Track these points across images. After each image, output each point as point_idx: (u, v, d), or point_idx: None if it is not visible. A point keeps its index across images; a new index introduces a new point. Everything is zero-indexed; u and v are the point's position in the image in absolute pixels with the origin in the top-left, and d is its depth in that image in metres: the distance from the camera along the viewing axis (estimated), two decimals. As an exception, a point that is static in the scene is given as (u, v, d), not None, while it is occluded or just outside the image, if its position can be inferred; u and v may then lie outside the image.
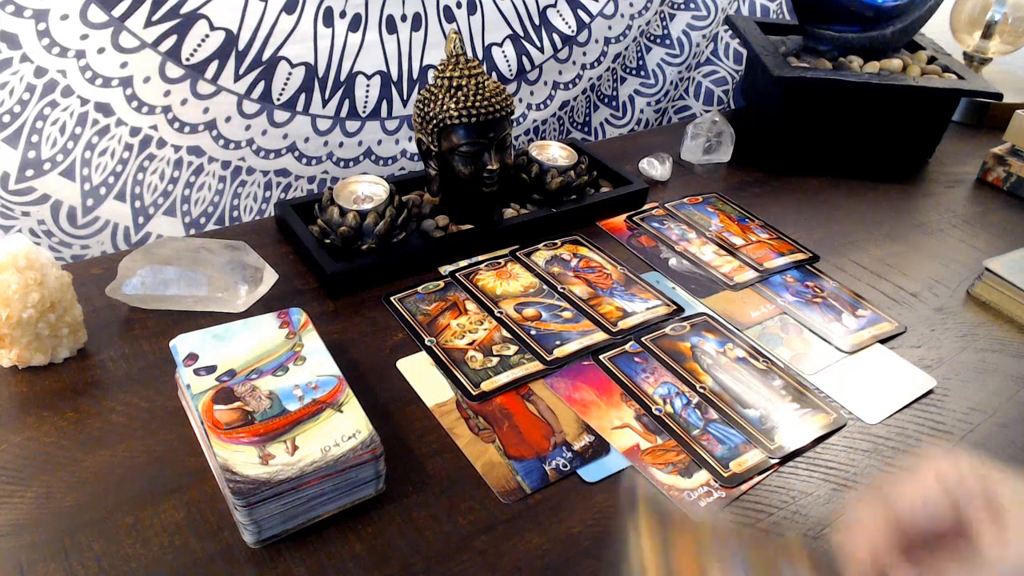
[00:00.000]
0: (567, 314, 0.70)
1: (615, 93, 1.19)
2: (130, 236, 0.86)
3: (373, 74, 0.91)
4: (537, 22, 1.00)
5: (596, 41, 1.06)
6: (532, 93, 1.05)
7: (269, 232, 0.80)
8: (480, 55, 0.98)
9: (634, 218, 0.86)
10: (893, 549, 0.36)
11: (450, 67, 0.73)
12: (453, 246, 0.77)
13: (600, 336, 0.68)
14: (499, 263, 0.77)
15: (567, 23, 1.02)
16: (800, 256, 0.82)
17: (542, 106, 1.07)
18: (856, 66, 0.99)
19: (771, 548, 0.39)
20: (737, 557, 0.38)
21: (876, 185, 0.98)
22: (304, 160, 0.93)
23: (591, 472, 0.55)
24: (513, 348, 0.66)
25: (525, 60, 1.01)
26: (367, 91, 0.92)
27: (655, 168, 0.94)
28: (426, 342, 0.66)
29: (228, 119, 0.85)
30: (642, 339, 0.68)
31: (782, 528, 0.52)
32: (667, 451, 0.57)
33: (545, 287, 0.74)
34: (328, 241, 0.74)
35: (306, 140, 0.91)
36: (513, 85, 1.03)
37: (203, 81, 0.81)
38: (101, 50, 0.75)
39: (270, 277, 0.70)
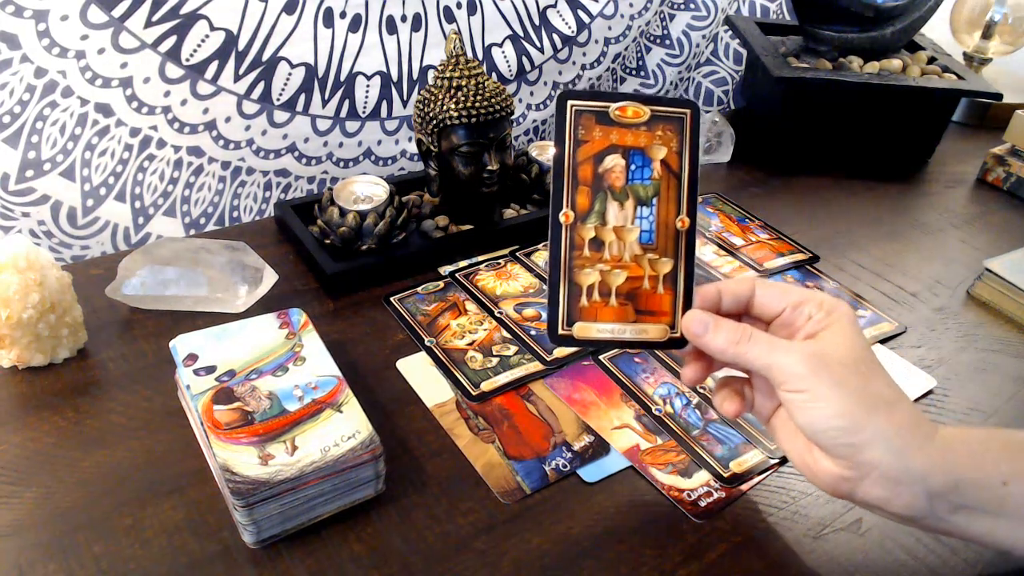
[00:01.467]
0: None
1: (615, 93, 1.19)
2: (130, 236, 0.86)
3: (373, 74, 0.91)
4: (537, 22, 1.00)
5: (596, 41, 1.06)
6: (532, 93, 1.05)
7: (269, 232, 0.80)
8: (480, 55, 0.98)
9: (634, 218, 0.86)
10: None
11: (450, 67, 0.73)
12: (453, 246, 0.77)
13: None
14: (499, 263, 0.77)
15: (567, 23, 1.02)
16: (800, 256, 0.82)
17: (542, 106, 1.07)
18: (856, 66, 0.99)
19: None
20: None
21: (876, 185, 0.98)
22: (304, 160, 0.93)
23: (591, 472, 0.55)
24: (513, 348, 0.66)
25: (525, 60, 1.01)
26: (367, 91, 0.92)
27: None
28: (426, 342, 0.66)
29: (228, 119, 0.85)
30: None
31: (783, 528, 0.52)
32: (667, 451, 0.57)
33: (545, 287, 0.74)
34: (328, 241, 0.74)
35: (306, 140, 0.91)
36: (513, 85, 1.03)
37: (203, 81, 0.81)
38: (101, 50, 0.75)
39: (270, 277, 0.70)
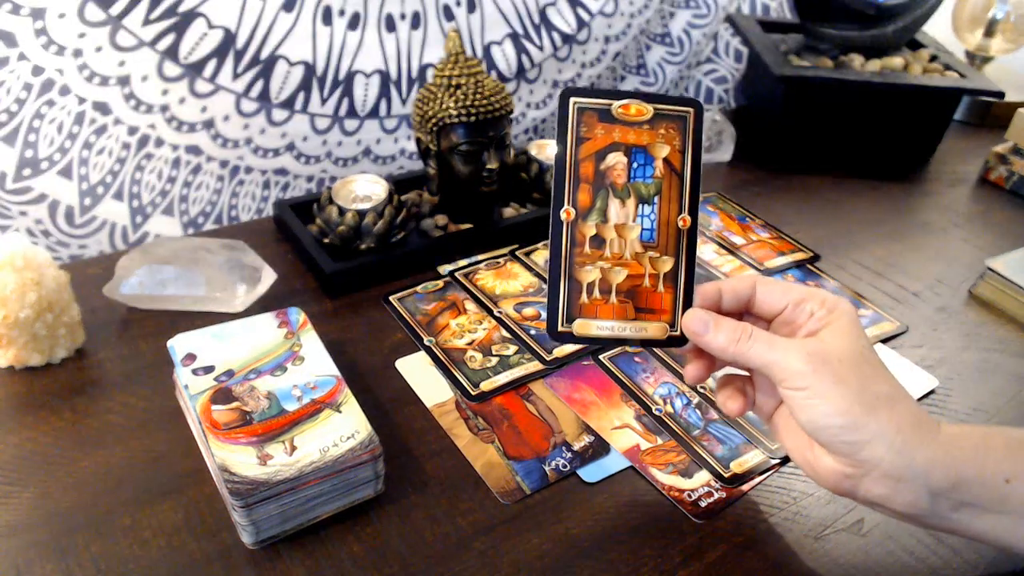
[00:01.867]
0: (567, 314, 0.70)
1: (615, 92, 1.18)
2: (128, 236, 0.86)
3: (372, 73, 0.91)
4: (537, 21, 0.99)
5: (596, 40, 1.06)
6: (531, 92, 1.05)
7: (267, 231, 0.80)
8: (479, 54, 0.97)
9: (634, 217, 0.86)
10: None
11: (449, 66, 0.72)
12: (452, 245, 0.77)
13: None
14: (498, 262, 0.77)
15: (567, 21, 1.02)
16: (801, 255, 0.82)
17: (541, 105, 1.07)
18: (857, 64, 0.98)
19: None
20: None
21: (878, 184, 0.98)
22: (303, 159, 0.93)
23: (591, 473, 0.55)
24: (512, 348, 0.66)
25: (524, 59, 1.01)
26: (366, 90, 0.92)
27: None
28: (425, 342, 0.66)
29: (226, 118, 0.85)
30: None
31: (783, 529, 0.52)
32: (667, 451, 0.57)
33: (545, 286, 0.74)
34: (327, 241, 0.73)
35: (304, 139, 0.91)
36: (512, 84, 1.02)
37: (201, 80, 0.81)
38: (99, 48, 0.75)
39: (268, 277, 0.69)
